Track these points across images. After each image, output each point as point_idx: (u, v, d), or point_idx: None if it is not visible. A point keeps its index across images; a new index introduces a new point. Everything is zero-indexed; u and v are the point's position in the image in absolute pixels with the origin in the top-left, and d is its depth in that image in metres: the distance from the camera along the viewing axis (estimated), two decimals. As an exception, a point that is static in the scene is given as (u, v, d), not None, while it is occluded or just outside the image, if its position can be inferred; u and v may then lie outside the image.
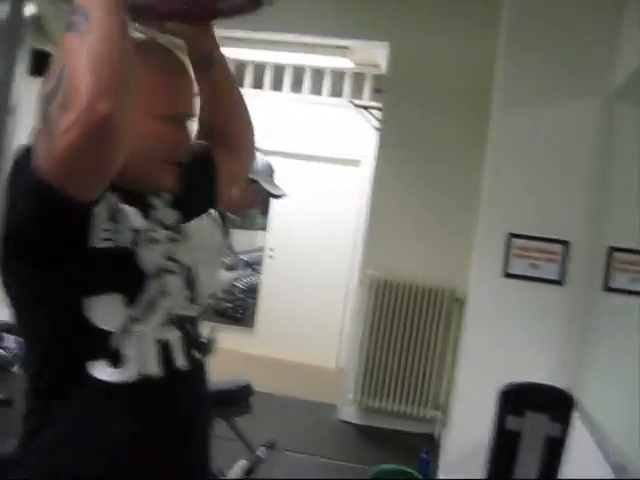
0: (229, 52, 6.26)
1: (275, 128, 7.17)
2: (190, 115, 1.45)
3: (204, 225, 3.05)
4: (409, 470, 3.76)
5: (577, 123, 4.42)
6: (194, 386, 1.43)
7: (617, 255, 4.31)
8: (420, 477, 3.77)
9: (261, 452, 4.34)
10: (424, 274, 5.53)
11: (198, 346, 1.45)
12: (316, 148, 7.29)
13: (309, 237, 7.35)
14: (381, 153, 5.76)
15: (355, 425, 5.67)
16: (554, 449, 2.95)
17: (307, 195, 7.36)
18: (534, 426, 2.91)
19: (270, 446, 4.46)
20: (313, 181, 7.40)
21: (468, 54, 5.39)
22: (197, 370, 1.43)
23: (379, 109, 6.18)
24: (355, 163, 7.26)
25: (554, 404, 2.96)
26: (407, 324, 5.54)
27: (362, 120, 7.02)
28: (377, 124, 6.30)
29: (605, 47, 4.29)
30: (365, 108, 6.92)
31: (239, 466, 4.13)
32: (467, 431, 4.36)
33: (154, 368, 1.30)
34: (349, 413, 5.71)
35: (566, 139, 4.45)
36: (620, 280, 4.32)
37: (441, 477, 4.48)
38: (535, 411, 2.91)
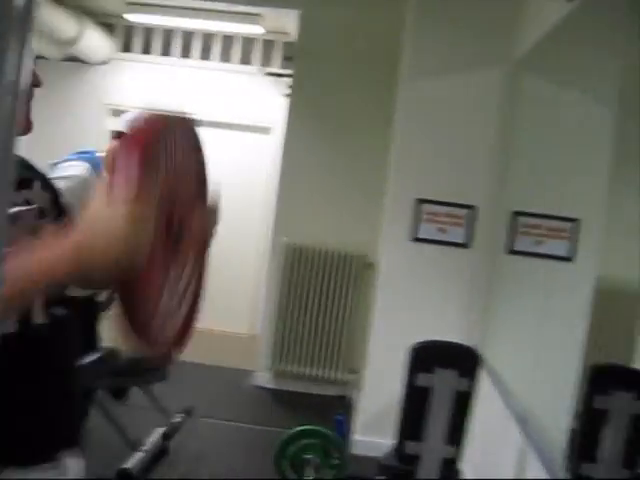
0: (137, 18, 6.15)
1: (184, 95, 7.10)
2: None
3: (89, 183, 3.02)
4: (324, 431, 3.85)
5: (482, 92, 4.55)
6: (53, 340, 1.43)
7: (520, 219, 4.49)
8: (337, 436, 3.86)
9: (177, 419, 4.37)
10: (336, 240, 5.62)
11: (64, 303, 1.44)
12: (226, 115, 7.25)
13: (224, 203, 7.34)
14: (291, 120, 5.78)
15: (270, 390, 5.74)
16: (462, 403, 3.10)
17: (218, 162, 7.31)
18: (443, 382, 3.05)
19: (186, 413, 4.50)
20: (224, 148, 7.37)
21: (378, 23, 5.44)
22: (58, 325, 1.43)
23: (290, 76, 6.19)
24: (265, 130, 7.26)
25: (462, 361, 3.09)
26: (320, 289, 5.63)
27: (272, 87, 7.02)
28: (288, 91, 6.31)
29: (510, 17, 4.42)
30: (276, 75, 6.92)
31: (156, 433, 4.16)
32: (380, 392, 4.49)
33: (9, 327, 1.30)
34: (264, 378, 5.78)
35: (472, 107, 4.57)
36: (523, 243, 4.51)
37: (356, 437, 4.60)
38: (444, 367, 3.04)
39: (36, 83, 1.41)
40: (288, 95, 6.17)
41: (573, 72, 4.47)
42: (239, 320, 7.28)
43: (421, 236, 4.58)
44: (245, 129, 7.32)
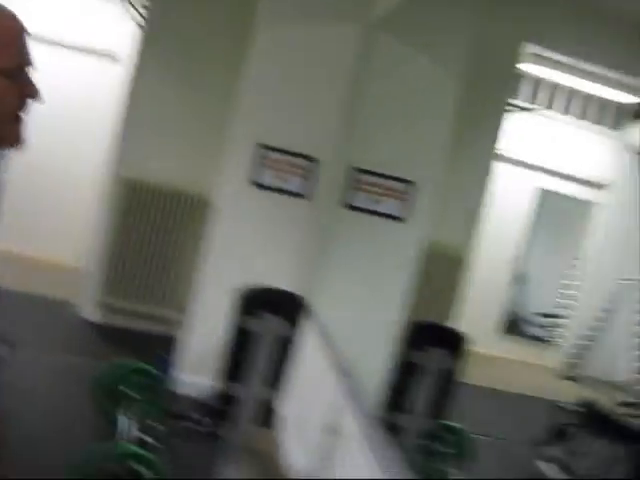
0: None
1: (30, 13, 6.70)
2: (25, 64, 1.37)
3: None
4: (145, 367, 3.83)
5: (337, 46, 4.59)
6: None
7: (360, 176, 4.61)
8: (158, 374, 3.86)
9: (-2, 349, 4.21)
10: (177, 177, 5.53)
11: None
12: (72, 37, 6.91)
13: (60, 130, 7.03)
14: (143, 50, 5.59)
15: (95, 324, 5.62)
16: (285, 349, 3.18)
17: (60, 85, 7.00)
18: (268, 327, 3.11)
19: (8, 343, 4.34)
20: (66, 70, 7.04)
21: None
22: None
23: (144, 6, 5.97)
24: (111, 57, 6.98)
25: (289, 308, 3.17)
26: (155, 225, 5.54)
27: (124, 14, 6.75)
28: (141, 20, 6.09)
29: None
30: (129, 2, 6.64)
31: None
32: (206, 332, 4.51)
33: None
34: (90, 312, 5.65)
35: (324, 60, 4.60)
36: (361, 199, 4.65)
37: (178, 376, 4.61)
38: (270, 313, 3.10)
39: (32, 94, 1.34)
40: (141, 24, 5.95)
41: (426, 37, 4.60)
42: (67, 250, 7.04)
43: (261, 182, 4.59)
44: (90, 53, 7.00)
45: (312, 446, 3.29)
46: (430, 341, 3.37)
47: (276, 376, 3.23)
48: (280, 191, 4.61)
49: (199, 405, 3.82)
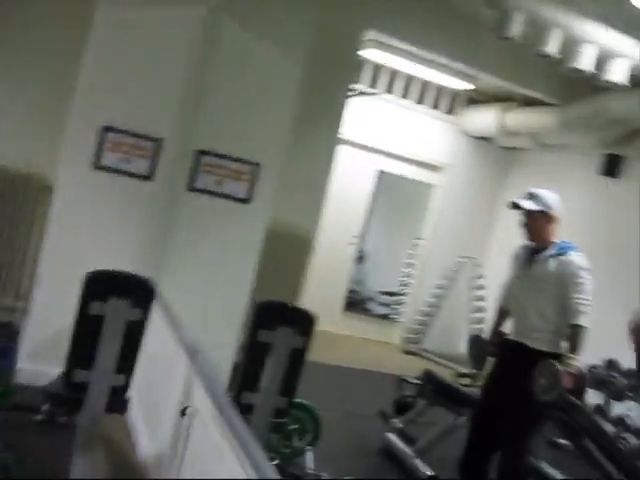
0: None
1: None
2: None
3: None
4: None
5: (180, 29, 4.57)
6: None
7: (204, 158, 4.63)
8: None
9: None
10: (13, 157, 5.28)
11: None
12: None
13: None
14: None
15: None
16: (134, 333, 3.15)
17: None
18: (116, 311, 3.07)
19: None
20: None
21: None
22: None
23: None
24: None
25: (135, 291, 3.14)
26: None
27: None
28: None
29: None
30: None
31: None
32: (49, 319, 4.39)
33: None
34: None
35: (170, 43, 4.57)
36: (205, 181, 4.67)
37: (21, 365, 4.47)
38: (117, 297, 3.06)
39: None
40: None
41: (268, 22, 4.67)
42: None
43: (103, 164, 4.50)
44: None
45: (163, 429, 3.29)
46: (278, 320, 3.43)
47: (125, 361, 3.20)
48: (123, 173, 4.54)
49: (45, 394, 3.72)
